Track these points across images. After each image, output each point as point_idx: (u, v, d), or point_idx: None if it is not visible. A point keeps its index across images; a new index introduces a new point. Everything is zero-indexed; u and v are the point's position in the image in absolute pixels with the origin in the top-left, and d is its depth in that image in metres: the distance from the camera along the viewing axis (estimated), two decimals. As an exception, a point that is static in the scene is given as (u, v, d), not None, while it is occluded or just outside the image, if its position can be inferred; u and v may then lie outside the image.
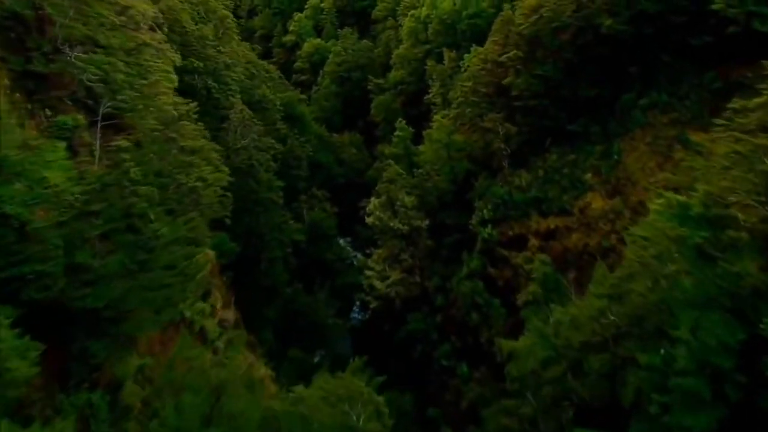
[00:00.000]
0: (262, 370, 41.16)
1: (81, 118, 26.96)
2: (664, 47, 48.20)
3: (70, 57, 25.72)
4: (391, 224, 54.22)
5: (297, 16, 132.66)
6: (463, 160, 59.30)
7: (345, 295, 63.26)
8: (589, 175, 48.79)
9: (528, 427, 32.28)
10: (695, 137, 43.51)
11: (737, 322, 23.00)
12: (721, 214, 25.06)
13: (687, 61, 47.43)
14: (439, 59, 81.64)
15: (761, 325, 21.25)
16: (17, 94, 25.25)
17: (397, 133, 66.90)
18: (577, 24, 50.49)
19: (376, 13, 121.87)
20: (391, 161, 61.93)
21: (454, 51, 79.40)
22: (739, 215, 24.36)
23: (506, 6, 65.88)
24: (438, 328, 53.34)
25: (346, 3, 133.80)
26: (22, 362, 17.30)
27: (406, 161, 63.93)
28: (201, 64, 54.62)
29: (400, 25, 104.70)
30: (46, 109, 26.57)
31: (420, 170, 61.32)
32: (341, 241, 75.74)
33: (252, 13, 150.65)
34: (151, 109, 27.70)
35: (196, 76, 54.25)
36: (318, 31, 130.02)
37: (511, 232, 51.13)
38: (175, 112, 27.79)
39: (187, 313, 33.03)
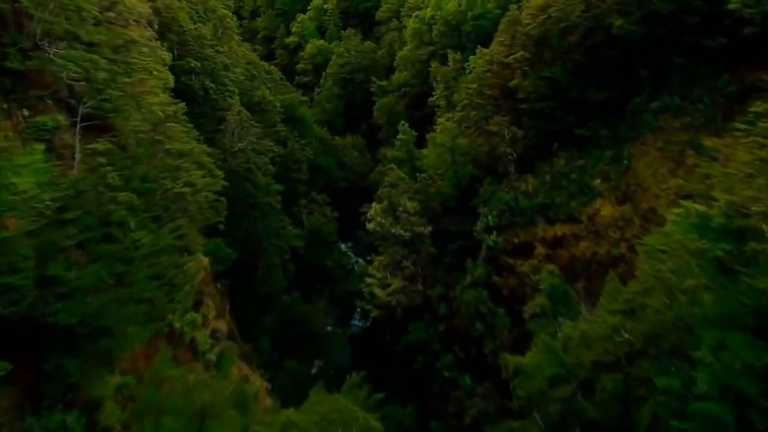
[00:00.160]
0: (257, 383, 39.68)
1: (62, 118, 25.32)
2: (676, 48, 46.82)
3: (50, 54, 24.09)
4: (393, 230, 52.66)
5: (300, 17, 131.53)
6: (467, 165, 57.89)
7: (345, 303, 61.77)
8: (598, 181, 47.44)
9: (535, 449, 30.65)
10: (708, 142, 42.53)
11: (763, 343, 21.34)
12: (744, 226, 23.42)
13: (700, 63, 46.16)
14: (444, 61, 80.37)
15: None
16: (-8, 93, 23.72)
17: (399, 136, 65.74)
18: (587, 24, 49.29)
19: (379, 14, 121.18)
20: (393, 165, 60.46)
21: (459, 53, 78.15)
22: (764, 227, 22.71)
23: (513, 7, 64.59)
24: (440, 338, 51.71)
25: (349, 4, 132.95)
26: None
27: (408, 165, 62.71)
28: (198, 64, 53.27)
29: (404, 27, 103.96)
30: (24, 109, 24.94)
31: (423, 175, 60.04)
32: (342, 246, 74.42)
33: (255, 14, 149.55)
34: (137, 109, 26.08)
35: (193, 77, 52.89)
36: (321, 32, 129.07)
37: (516, 240, 49.64)
38: (161, 114, 26.14)
39: (177, 325, 31.46)
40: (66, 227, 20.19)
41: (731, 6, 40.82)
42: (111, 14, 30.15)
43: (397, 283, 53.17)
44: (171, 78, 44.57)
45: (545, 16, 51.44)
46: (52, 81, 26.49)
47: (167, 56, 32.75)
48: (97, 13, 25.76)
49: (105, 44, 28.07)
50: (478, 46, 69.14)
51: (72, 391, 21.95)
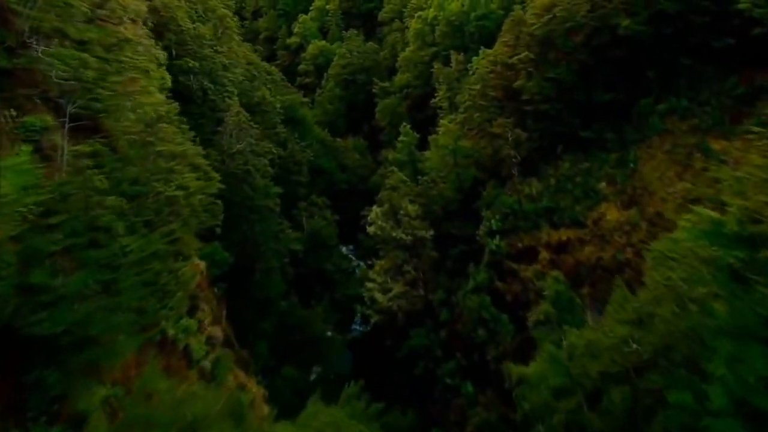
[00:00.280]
0: (254, 390, 38.83)
1: (50, 119, 24.46)
2: (684, 49, 46.12)
3: (38, 51, 23.22)
4: (394, 234, 51.71)
5: (302, 17, 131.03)
6: (470, 167, 57.20)
7: (345, 307, 60.84)
8: (603, 185, 46.62)
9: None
10: (716, 145, 41.86)
11: (779, 356, 20.46)
12: (758, 232, 22.51)
13: (708, 65, 45.45)
14: (447, 62, 79.97)
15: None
16: (-25, 93, 22.86)
17: (401, 138, 64.93)
18: (593, 24, 48.66)
19: (382, 15, 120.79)
20: (394, 168, 59.60)
21: (462, 53, 77.78)
22: (779, 234, 21.84)
23: (517, 7, 63.90)
24: (442, 344, 50.75)
25: (351, 5, 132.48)
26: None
27: (410, 168, 61.93)
28: (197, 64, 52.47)
29: (407, 27, 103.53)
30: (11, 109, 24.06)
31: (425, 177, 59.30)
32: (343, 249, 73.57)
33: (257, 14, 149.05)
34: (128, 109, 25.19)
35: (191, 77, 52.07)
36: (323, 33, 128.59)
37: (520, 244, 48.73)
38: (153, 114, 25.27)
39: (170, 332, 30.52)
40: (50, 232, 19.30)
41: (740, 6, 40.12)
42: (103, 12, 29.34)
43: (398, 288, 52.31)
44: (168, 78, 43.81)
45: (550, 15, 50.90)
46: (41, 80, 25.65)
47: (162, 55, 31.83)
48: (87, 10, 24.83)
49: (96, 42, 27.21)
50: (482, 47, 68.48)
51: (57, 403, 21.08)
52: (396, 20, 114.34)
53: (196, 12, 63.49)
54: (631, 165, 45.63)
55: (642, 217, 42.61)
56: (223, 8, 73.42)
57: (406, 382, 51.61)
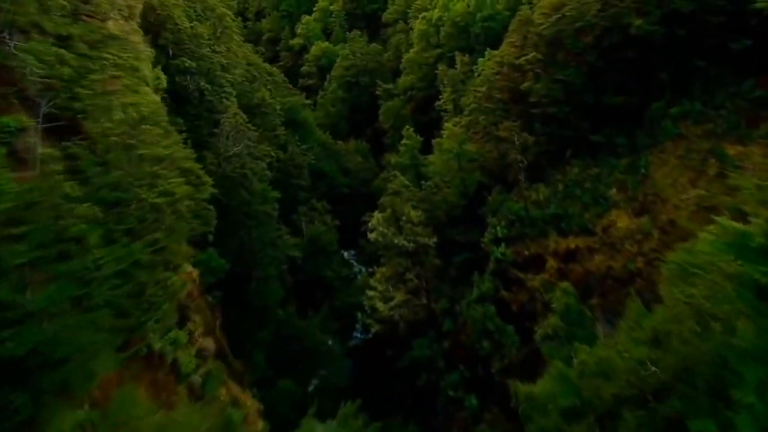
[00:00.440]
0: (249, 404, 37.29)
1: (26, 119, 22.86)
2: (698, 51, 44.69)
3: (10, 47, 21.63)
4: (396, 241, 50.11)
5: (305, 18, 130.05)
6: (475, 172, 55.82)
7: (346, 315, 59.30)
8: (613, 191, 45.15)
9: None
10: (732, 151, 40.50)
11: (810, 384, 18.82)
12: (787, 247, 20.82)
13: (724, 67, 44.04)
14: (451, 64, 78.78)
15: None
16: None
17: (404, 141, 63.40)
18: (603, 24, 47.25)
19: (386, 16, 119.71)
20: (396, 172, 58.07)
21: (467, 55, 76.60)
22: (810, 248, 20.18)
23: (524, 7, 62.57)
24: (445, 355, 49.30)
25: (355, 6, 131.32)
26: None
27: (413, 172, 60.44)
28: (194, 64, 51.03)
29: (411, 29, 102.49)
30: (-16, 109, 22.50)
31: (428, 182, 57.91)
32: (345, 255, 72.08)
33: (260, 15, 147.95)
34: (109, 110, 23.59)
35: (188, 77, 50.63)
36: (327, 34, 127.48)
37: (527, 252, 47.21)
38: (135, 114, 23.66)
39: (157, 345, 28.92)
40: (15, 243, 17.68)
41: (758, 5, 38.50)
42: (88, 7, 27.80)
43: (399, 297, 50.84)
44: (164, 77, 42.40)
45: (559, 15, 49.70)
46: (19, 78, 24.08)
47: (149, 52, 30.25)
48: (65, 3, 23.23)
49: (79, 38, 25.69)
50: (487, 48, 67.66)
51: (25, 428, 19.48)
52: (400, 21, 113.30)
53: (194, 11, 62.13)
54: (643, 171, 44.24)
55: (654, 225, 41.14)
56: (223, 8, 72.01)
57: (408, 393, 50.18)
